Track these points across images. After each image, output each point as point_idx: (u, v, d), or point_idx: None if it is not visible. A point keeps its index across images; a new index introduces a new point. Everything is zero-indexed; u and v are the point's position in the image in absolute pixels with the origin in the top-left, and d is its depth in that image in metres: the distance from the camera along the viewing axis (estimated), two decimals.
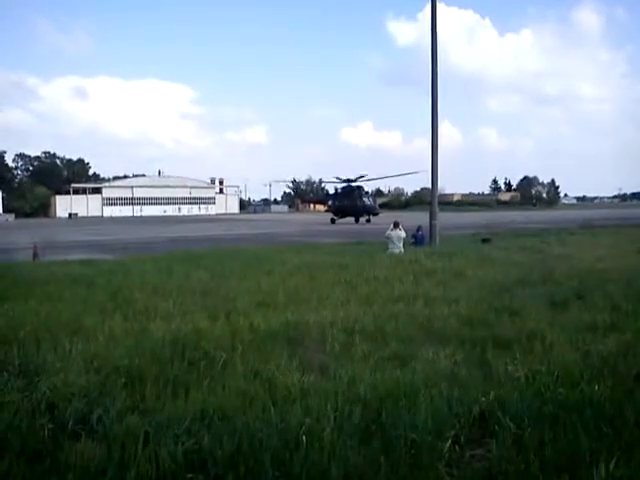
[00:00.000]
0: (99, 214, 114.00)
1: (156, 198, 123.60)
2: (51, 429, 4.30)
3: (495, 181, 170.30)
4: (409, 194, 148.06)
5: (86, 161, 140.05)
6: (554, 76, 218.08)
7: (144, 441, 3.99)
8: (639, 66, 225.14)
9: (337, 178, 62.45)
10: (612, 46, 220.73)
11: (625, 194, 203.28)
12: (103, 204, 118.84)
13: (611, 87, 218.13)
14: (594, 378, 5.23)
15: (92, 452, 3.92)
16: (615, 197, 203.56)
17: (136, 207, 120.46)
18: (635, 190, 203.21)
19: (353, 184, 61.17)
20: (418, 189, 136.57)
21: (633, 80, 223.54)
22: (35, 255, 21.50)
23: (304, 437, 4.05)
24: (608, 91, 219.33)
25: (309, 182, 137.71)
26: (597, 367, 5.59)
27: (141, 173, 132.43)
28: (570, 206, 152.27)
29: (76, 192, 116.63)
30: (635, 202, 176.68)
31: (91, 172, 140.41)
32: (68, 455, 3.90)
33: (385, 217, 52.57)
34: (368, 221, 57.46)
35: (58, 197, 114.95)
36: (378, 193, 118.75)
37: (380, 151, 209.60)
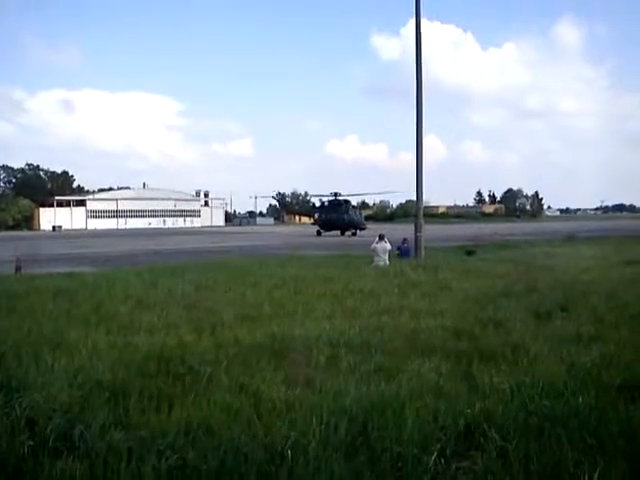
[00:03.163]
0: (83, 227, 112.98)
1: (141, 211, 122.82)
2: (31, 446, 4.21)
3: (479, 193, 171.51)
4: (394, 206, 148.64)
5: (70, 173, 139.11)
6: (537, 90, 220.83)
7: (127, 457, 3.94)
8: (619, 80, 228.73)
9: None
10: (593, 60, 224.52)
11: (607, 206, 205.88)
12: (87, 217, 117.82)
13: (593, 101, 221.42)
14: (578, 389, 5.26)
15: (73, 469, 3.85)
16: (597, 209, 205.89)
17: (120, 220, 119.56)
18: (617, 202, 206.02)
19: (340, 197, 61.37)
20: (403, 201, 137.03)
21: (614, 94, 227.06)
22: (18, 268, 21.25)
23: (289, 451, 4.02)
24: (590, 105, 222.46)
25: (295, 194, 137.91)
26: (581, 378, 5.62)
27: (126, 185, 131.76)
28: (554, 218, 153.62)
29: (60, 204, 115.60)
30: (617, 214, 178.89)
31: (75, 184, 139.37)
32: (49, 473, 3.83)
33: (371, 230, 52.67)
34: (354, 234, 57.59)
35: (42, 209, 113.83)
36: (363, 205, 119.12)
37: (366, 164, 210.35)
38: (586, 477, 3.61)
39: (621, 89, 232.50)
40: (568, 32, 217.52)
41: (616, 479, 3.64)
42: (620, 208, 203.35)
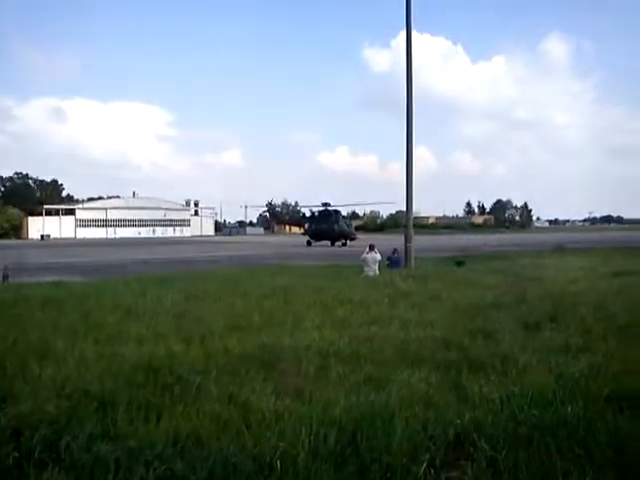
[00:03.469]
0: (72, 236, 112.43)
1: (130, 220, 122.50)
2: (16, 457, 4.16)
3: (469, 204, 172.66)
4: (384, 217, 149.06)
5: (60, 182, 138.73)
6: (526, 102, 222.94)
7: (115, 468, 3.90)
8: (605, 93, 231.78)
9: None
10: (580, 74, 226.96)
11: (595, 217, 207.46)
12: (76, 225, 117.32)
13: (580, 113, 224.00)
14: (567, 399, 5.28)
15: None
16: (586, 220, 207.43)
17: (110, 229, 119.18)
18: (605, 214, 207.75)
19: (330, 208, 61.48)
20: (393, 212, 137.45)
21: (600, 107, 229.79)
22: (5, 277, 21.11)
23: (278, 462, 4.00)
24: (577, 117, 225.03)
25: (285, 205, 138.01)
26: (569, 388, 5.64)
27: (115, 195, 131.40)
28: (543, 229, 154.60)
29: (49, 213, 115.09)
30: (605, 225, 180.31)
31: (65, 193, 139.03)
32: None
33: (361, 240, 52.78)
34: (344, 244, 57.65)
35: (30, 218, 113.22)
36: (354, 216, 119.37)
37: (356, 174, 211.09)
38: None
39: (606, 102, 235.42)
40: (556, 47, 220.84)
41: None
42: (608, 220, 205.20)
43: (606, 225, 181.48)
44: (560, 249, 36.19)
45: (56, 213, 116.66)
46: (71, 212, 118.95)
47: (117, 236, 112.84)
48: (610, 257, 27.37)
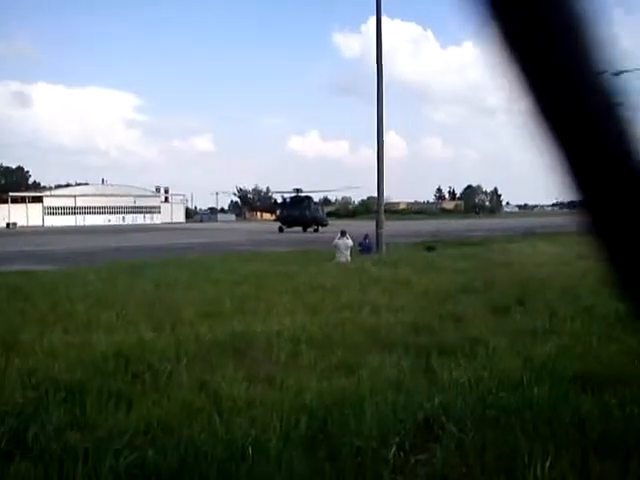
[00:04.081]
0: (40, 224, 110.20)
1: (100, 207, 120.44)
2: None
3: (439, 190, 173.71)
4: (356, 203, 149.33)
5: (26, 169, 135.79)
6: (496, 88, 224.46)
7: (84, 458, 3.87)
8: None
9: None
10: None
11: (563, 202, 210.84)
12: (44, 213, 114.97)
13: None
14: (534, 381, 5.40)
15: (27, 472, 3.76)
16: (554, 205, 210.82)
17: (79, 216, 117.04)
18: (571, 199, 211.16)
19: (302, 194, 61.41)
20: (365, 198, 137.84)
21: None
22: None
23: (250, 448, 4.02)
24: None
25: (256, 191, 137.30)
26: (536, 370, 5.77)
27: (84, 182, 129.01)
28: (512, 214, 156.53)
29: (15, 201, 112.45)
30: (572, 210, 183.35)
31: (31, 181, 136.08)
32: (0, 477, 3.74)
33: (333, 226, 52.90)
34: (316, 230, 57.68)
35: None
36: (326, 202, 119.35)
37: (327, 160, 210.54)
38: (538, 465, 3.72)
39: None
40: None
41: (566, 466, 3.76)
42: (575, 204, 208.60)
43: (573, 210, 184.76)
44: (529, 234, 36.72)
45: (22, 201, 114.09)
46: (38, 199, 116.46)
47: (86, 224, 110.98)
48: (575, 241, 27.87)
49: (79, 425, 4.57)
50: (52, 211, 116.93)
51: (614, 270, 0.51)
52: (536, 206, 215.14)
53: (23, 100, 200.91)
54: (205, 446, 4.09)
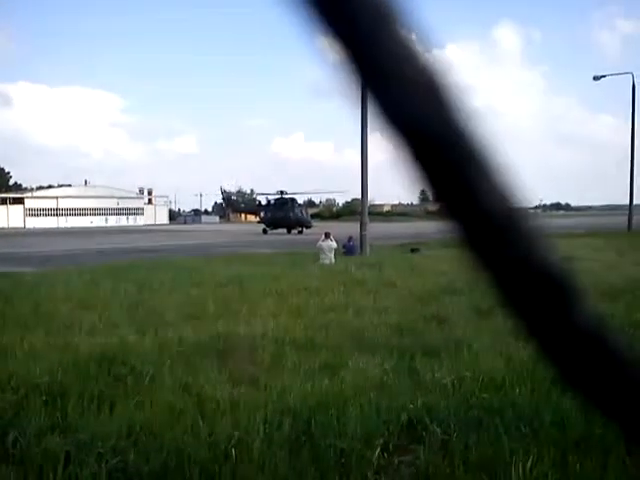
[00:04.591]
0: (21, 225, 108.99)
1: (82, 209, 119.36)
2: None
3: (423, 192, 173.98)
4: (340, 205, 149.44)
5: (6, 170, 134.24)
6: (478, 91, 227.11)
7: (64, 462, 3.83)
8: (555, 84, 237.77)
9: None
10: (530, 64, 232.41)
11: (545, 204, 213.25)
12: (25, 215, 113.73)
13: (530, 103, 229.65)
14: (516, 382, 5.44)
15: (6, 478, 3.72)
16: (536, 207, 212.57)
17: (61, 218, 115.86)
18: (554, 201, 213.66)
19: (286, 196, 61.38)
20: (349, 200, 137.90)
21: (549, 97, 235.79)
22: None
23: (233, 450, 4.01)
24: (527, 106, 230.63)
25: (240, 192, 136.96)
26: (518, 371, 5.81)
27: (67, 183, 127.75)
28: None
29: None
30: (554, 212, 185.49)
31: (12, 182, 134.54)
32: None
33: (317, 228, 52.93)
34: (300, 232, 57.68)
35: None
36: (310, 204, 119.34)
37: (312, 162, 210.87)
38: (520, 465, 3.75)
39: (551, 92, 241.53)
40: (507, 37, 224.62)
41: (547, 465, 3.80)
42: (557, 207, 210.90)
43: (554, 212, 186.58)
44: None
45: (3, 202, 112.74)
46: (20, 201, 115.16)
47: (69, 225, 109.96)
48: (557, 243, 28.10)
49: (60, 429, 4.52)
50: (34, 212, 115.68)
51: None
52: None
53: (3, 100, 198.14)
54: (188, 448, 4.06)
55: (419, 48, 0.44)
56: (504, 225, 0.47)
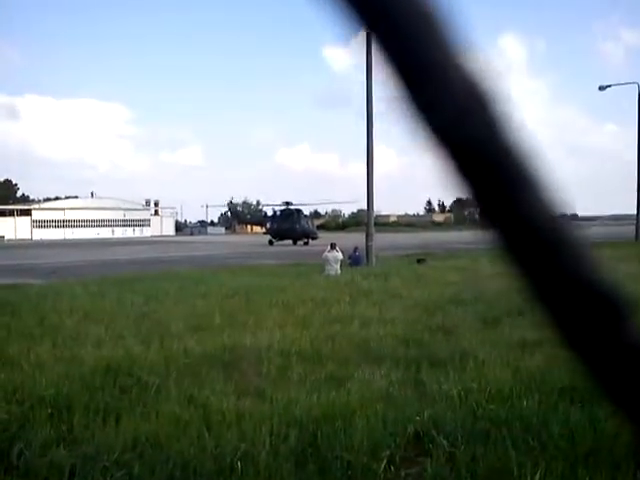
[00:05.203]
0: (29, 237, 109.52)
1: (89, 220, 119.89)
2: None
3: (429, 202, 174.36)
4: (346, 216, 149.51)
5: (14, 182, 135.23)
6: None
7: (69, 475, 3.82)
8: (559, 94, 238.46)
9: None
10: (535, 74, 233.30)
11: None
12: (33, 226, 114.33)
13: (535, 112, 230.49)
14: (523, 393, 5.40)
15: None
16: None
17: (68, 230, 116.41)
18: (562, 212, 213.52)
19: (292, 207, 61.47)
20: (355, 211, 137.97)
21: (554, 105, 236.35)
22: None
23: (239, 462, 3.99)
24: (532, 116, 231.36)
25: (246, 204, 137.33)
26: (526, 383, 5.77)
27: (74, 195, 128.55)
28: None
29: (2, 214, 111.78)
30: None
31: (19, 194, 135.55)
32: None
33: (322, 239, 52.96)
34: (306, 244, 57.68)
35: None
36: (315, 214, 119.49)
37: (317, 173, 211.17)
38: (528, 478, 3.71)
39: (557, 101, 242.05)
40: (511, 47, 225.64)
41: (556, 479, 3.76)
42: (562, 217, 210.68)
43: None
44: None
45: (10, 214, 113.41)
46: (27, 213, 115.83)
47: (75, 237, 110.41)
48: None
49: (66, 441, 4.52)
50: (41, 224, 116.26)
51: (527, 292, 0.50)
52: None
53: (11, 112, 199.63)
54: (194, 461, 4.05)
55: (466, 54, 0.44)
56: (551, 237, 0.46)
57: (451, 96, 0.44)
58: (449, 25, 0.44)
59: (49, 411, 5.11)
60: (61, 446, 4.39)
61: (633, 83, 39.55)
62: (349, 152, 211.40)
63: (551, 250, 0.46)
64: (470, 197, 0.47)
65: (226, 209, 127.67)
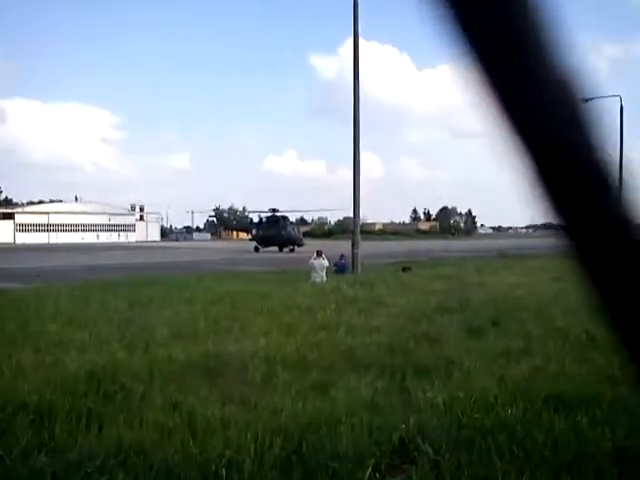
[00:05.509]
0: (11, 241, 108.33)
1: (73, 225, 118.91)
2: None
3: (415, 211, 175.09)
4: (332, 223, 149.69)
5: None
6: (471, 111, 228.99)
7: None
8: None
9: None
10: None
11: (536, 224, 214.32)
12: (16, 230, 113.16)
13: None
14: (507, 402, 5.43)
15: None
16: (528, 227, 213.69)
17: (52, 234, 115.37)
18: (545, 221, 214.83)
19: (278, 214, 61.46)
20: (341, 218, 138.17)
21: None
22: None
23: (224, 469, 3.97)
24: None
25: (232, 210, 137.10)
26: (510, 391, 5.80)
27: (58, 199, 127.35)
28: (486, 236, 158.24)
29: None
30: (545, 232, 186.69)
31: (2, 197, 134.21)
32: None
33: (309, 246, 52.97)
34: (292, 250, 57.65)
35: None
36: (302, 222, 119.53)
37: (304, 180, 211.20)
38: None
39: None
40: None
41: None
42: (548, 226, 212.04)
43: (546, 232, 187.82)
44: (504, 255, 37.15)
45: None
46: (10, 216, 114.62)
47: (59, 241, 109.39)
48: (549, 263, 28.26)
49: (47, 448, 4.46)
50: (24, 228, 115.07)
51: (596, 295, 0.50)
52: (510, 228, 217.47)
53: None
54: (178, 468, 4.02)
55: (560, 63, 0.44)
56: (631, 247, 0.46)
57: (541, 97, 0.45)
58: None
59: (31, 417, 5.04)
60: (43, 453, 4.34)
61: (616, 96, 40.12)
62: (336, 160, 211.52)
63: (632, 257, 0.46)
64: (550, 200, 0.48)
65: (212, 215, 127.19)
